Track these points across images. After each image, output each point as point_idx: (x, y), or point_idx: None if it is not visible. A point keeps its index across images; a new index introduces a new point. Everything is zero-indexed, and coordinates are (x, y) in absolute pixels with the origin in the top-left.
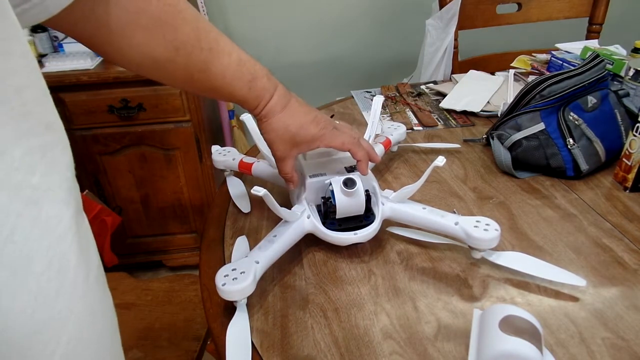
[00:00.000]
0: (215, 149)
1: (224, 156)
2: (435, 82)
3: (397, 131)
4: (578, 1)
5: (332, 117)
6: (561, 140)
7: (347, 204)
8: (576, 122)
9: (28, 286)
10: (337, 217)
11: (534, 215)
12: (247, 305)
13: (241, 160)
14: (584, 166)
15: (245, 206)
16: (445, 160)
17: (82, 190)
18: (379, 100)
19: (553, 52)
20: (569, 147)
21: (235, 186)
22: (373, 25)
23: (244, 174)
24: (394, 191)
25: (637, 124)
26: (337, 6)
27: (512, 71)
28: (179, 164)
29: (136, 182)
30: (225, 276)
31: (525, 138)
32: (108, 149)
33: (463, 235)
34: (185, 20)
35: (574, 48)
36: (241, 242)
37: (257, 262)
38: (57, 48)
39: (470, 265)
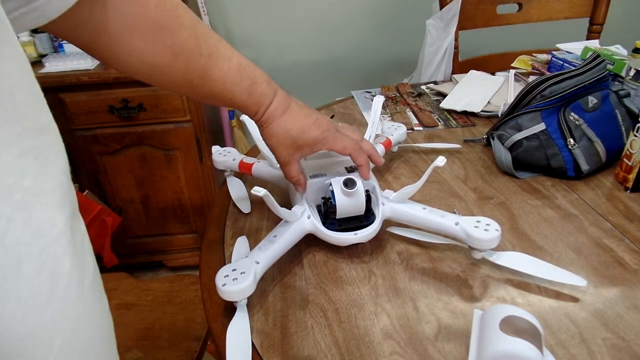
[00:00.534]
0: (215, 149)
1: (224, 156)
2: (435, 83)
3: (397, 131)
4: (578, 1)
5: (332, 117)
6: (562, 140)
7: (347, 204)
8: (577, 122)
9: (18, 291)
10: (337, 217)
11: (535, 215)
12: (248, 305)
13: (241, 160)
14: (584, 166)
15: (245, 206)
16: (445, 160)
17: (82, 190)
18: (379, 100)
19: (554, 52)
20: (569, 147)
21: (235, 186)
22: (373, 25)
23: (244, 174)
24: (394, 191)
25: (638, 124)
26: (337, 6)
27: (512, 71)
28: (179, 164)
29: (136, 182)
30: (225, 276)
31: (526, 138)
32: (108, 149)
33: (463, 235)
34: (183, 26)
35: (574, 48)
36: (241, 243)
37: (257, 263)
38: (57, 48)
39: (471, 265)
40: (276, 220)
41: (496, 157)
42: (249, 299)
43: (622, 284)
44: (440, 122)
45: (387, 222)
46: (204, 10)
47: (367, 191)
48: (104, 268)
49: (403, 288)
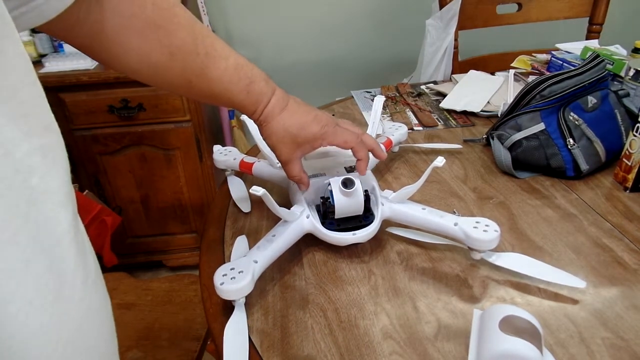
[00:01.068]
0: (216, 148)
1: (224, 156)
2: (435, 82)
3: (398, 131)
4: (578, 1)
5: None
6: (561, 140)
7: (345, 204)
8: (576, 122)
9: (24, 290)
10: (336, 217)
11: (534, 215)
12: (247, 305)
13: (242, 160)
14: (584, 166)
15: (245, 206)
16: (444, 160)
17: (82, 190)
18: (380, 100)
19: (553, 52)
20: (569, 147)
21: (236, 186)
22: (373, 25)
23: (244, 173)
24: (394, 191)
25: (637, 124)
26: (337, 6)
27: (512, 71)
28: (179, 164)
29: (136, 182)
30: (223, 275)
31: (526, 138)
32: (108, 149)
33: (462, 236)
34: (180, 25)
35: (574, 48)
36: (241, 242)
37: (256, 262)
38: (57, 48)
39: (470, 265)
40: (276, 220)
41: (496, 157)
42: (249, 298)
43: (621, 284)
44: (440, 122)
45: (386, 223)
46: (204, 10)
47: (366, 191)
48: (104, 268)
49: (403, 288)
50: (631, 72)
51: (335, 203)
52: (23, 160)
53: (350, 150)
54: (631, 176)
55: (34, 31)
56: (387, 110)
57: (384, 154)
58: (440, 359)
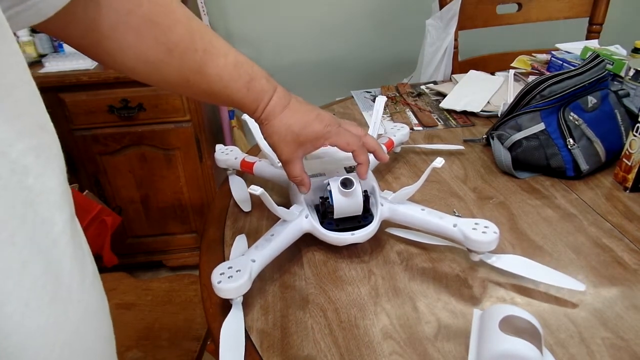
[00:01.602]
0: (218, 147)
1: (226, 155)
2: (435, 82)
3: (400, 132)
4: (578, 1)
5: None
6: (561, 140)
7: (344, 204)
8: (576, 122)
9: (20, 291)
10: (335, 217)
11: (534, 215)
12: (247, 305)
13: (243, 159)
14: (584, 166)
15: (246, 205)
16: (443, 161)
17: (82, 190)
18: (381, 100)
19: (553, 52)
20: (569, 147)
21: (237, 185)
22: (373, 25)
23: (245, 173)
24: (394, 192)
25: (637, 124)
26: (337, 6)
27: (512, 71)
28: (179, 164)
29: (136, 182)
30: (221, 274)
31: (526, 138)
32: (108, 149)
33: (461, 237)
34: (177, 21)
35: (574, 48)
36: (240, 241)
37: (254, 261)
38: (57, 48)
39: (470, 265)
40: (276, 220)
41: (496, 157)
42: (249, 298)
43: (621, 284)
44: (439, 122)
45: (386, 223)
46: (204, 10)
47: (365, 191)
48: (104, 268)
49: (403, 288)
50: (631, 72)
51: (334, 203)
52: (18, 161)
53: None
54: (631, 176)
55: (33, 31)
56: (387, 110)
57: (385, 157)
58: (440, 359)
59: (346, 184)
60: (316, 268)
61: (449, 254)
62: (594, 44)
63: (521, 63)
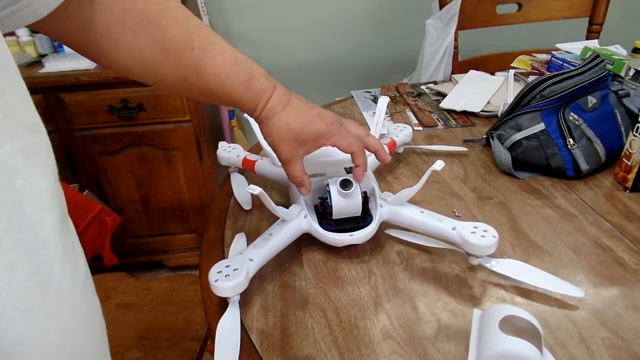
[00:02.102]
0: (221, 144)
1: (228, 152)
2: (435, 82)
3: (403, 133)
4: (578, 1)
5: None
6: (561, 140)
7: (343, 205)
8: (576, 122)
9: (7, 294)
10: (334, 217)
11: (534, 215)
12: (247, 305)
13: (245, 157)
14: (584, 166)
15: (246, 203)
16: (443, 164)
17: (82, 190)
18: (384, 101)
19: (553, 52)
20: (569, 147)
21: (238, 183)
22: (373, 25)
23: (247, 171)
24: (394, 193)
25: (637, 124)
26: (337, 6)
27: (512, 71)
28: (179, 164)
29: (136, 182)
30: (218, 272)
31: (526, 138)
32: (108, 149)
33: (460, 240)
34: (174, 19)
35: (574, 48)
36: (239, 239)
37: (251, 260)
38: (57, 48)
39: (470, 265)
40: (276, 219)
41: (496, 157)
42: (249, 298)
43: (621, 284)
44: (439, 122)
45: (385, 224)
46: (204, 10)
47: (364, 193)
48: (104, 268)
49: (403, 288)
50: (631, 72)
51: (333, 204)
52: (6, 162)
53: None
54: (631, 176)
55: (33, 31)
56: (387, 110)
57: (387, 157)
58: (440, 359)
59: (345, 184)
60: (316, 268)
61: (449, 254)
62: (594, 44)
63: (521, 63)
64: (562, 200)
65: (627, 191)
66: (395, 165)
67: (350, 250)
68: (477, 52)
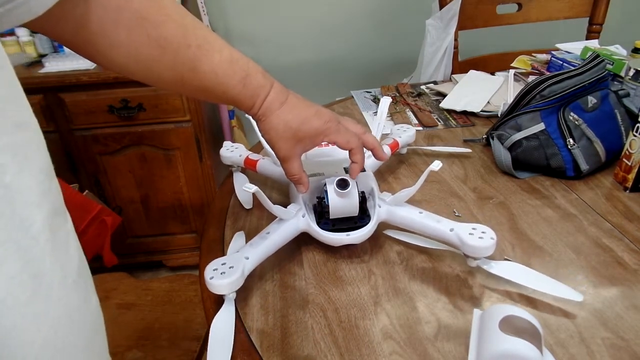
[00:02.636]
0: (225, 144)
1: (231, 152)
2: (435, 82)
3: (406, 133)
4: (578, 1)
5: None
6: (561, 140)
7: (340, 204)
8: (576, 122)
9: None
10: (331, 217)
11: (534, 215)
12: (247, 305)
13: (247, 157)
14: (584, 166)
15: (248, 203)
16: (441, 164)
17: (82, 190)
18: (386, 101)
19: (553, 52)
20: (569, 147)
21: (240, 182)
22: (373, 25)
23: (249, 170)
24: (393, 193)
25: (637, 124)
26: (337, 6)
27: (512, 71)
28: (179, 164)
29: (136, 182)
30: (214, 270)
31: (526, 138)
32: (108, 149)
33: (458, 242)
34: (169, 17)
35: (574, 48)
36: (238, 238)
37: (247, 258)
38: (57, 48)
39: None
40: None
41: (496, 157)
42: (249, 298)
43: (621, 284)
44: (440, 122)
45: (384, 225)
46: (204, 10)
47: (362, 193)
48: (104, 268)
49: (403, 288)
50: (631, 72)
51: (330, 203)
52: None
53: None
54: (631, 176)
55: (33, 31)
56: (387, 110)
57: (384, 155)
58: (440, 359)
59: (342, 184)
60: (316, 268)
61: (449, 254)
62: (594, 44)
63: (521, 63)
64: (562, 200)
65: (627, 191)
66: (397, 166)
67: (350, 250)
68: (477, 52)
